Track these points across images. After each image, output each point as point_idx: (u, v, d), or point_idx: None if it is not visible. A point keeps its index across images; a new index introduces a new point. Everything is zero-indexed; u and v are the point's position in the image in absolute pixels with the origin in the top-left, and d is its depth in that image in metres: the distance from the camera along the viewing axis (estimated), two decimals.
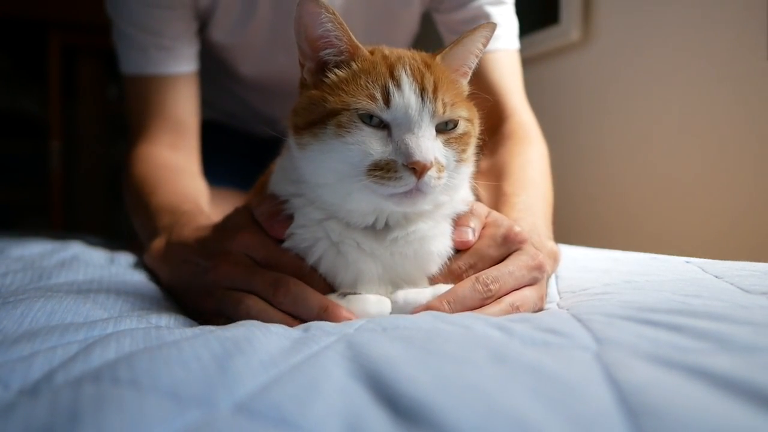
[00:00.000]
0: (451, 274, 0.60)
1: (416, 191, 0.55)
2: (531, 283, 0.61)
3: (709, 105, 1.30)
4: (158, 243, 0.77)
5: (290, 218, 0.61)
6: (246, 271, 0.59)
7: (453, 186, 0.59)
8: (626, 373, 0.34)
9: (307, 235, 0.60)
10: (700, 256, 0.80)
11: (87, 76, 2.34)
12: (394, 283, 0.60)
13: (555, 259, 0.74)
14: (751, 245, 1.21)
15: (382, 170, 0.54)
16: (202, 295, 0.62)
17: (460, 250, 0.62)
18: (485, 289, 0.57)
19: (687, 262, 0.74)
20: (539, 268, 0.61)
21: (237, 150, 1.29)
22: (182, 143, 1.00)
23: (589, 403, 0.31)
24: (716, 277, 0.64)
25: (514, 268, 0.59)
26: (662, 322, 0.43)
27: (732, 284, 0.59)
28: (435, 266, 0.60)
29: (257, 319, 0.54)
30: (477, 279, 0.57)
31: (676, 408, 0.30)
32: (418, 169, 0.53)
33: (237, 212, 0.67)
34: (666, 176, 1.41)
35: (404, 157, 0.53)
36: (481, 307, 0.57)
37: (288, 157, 0.63)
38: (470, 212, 0.63)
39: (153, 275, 0.77)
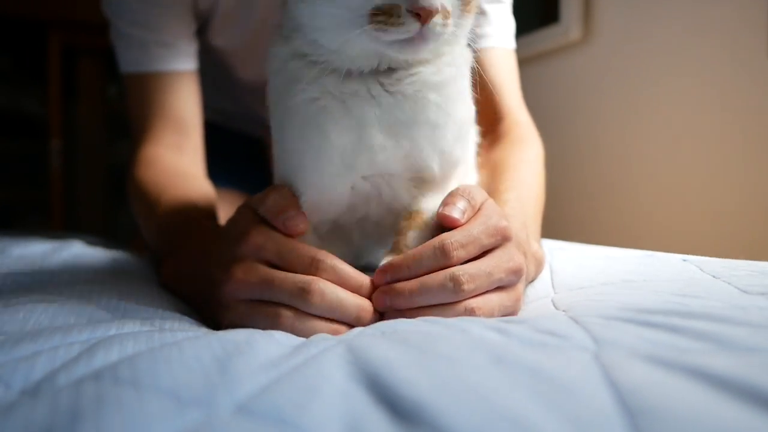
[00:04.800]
0: (442, 249, 0.55)
1: (419, 38, 0.52)
2: (506, 285, 0.58)
3: (709, 103, 1.30)
4: (169, 261, 0.74)
5: (302, 214, 0.58)
6: (265, 281, 0.54)
7: (455, 36, 0.57)
8: (625, 374, 0.34)
9: (308, 92, 0.57)
10: (698, 253, 0.80)
11: (87, 75, 2.34)
12: (392, 129, 0.58)
13: (539, 263, 0.73)
14: (749, 243, 1.21)
15: (384, 15, 0.51)
16: (220, 309, 0.58)
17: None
18: (458, 288, 0.53)
19: (684, 260, 0.74)
20: (516, 271, 0.58)
21: (235, 151, 1.29)
22: (186, 144, 0.99)
23: (588, 403, 0.31)
24: (714, 276, 0.64)
25: (492, 268, 0.56)
26: (660, 324, 0.43)
27: (729, 284, 0.59)
28: (433, 115, 0.58)
29: (298, 332, 0.52)
30: (452, 277, 0.53)
31: (674, 408, 0.30)
32: (423, 15, 0.51)
33: (239, 212, 0.62)
34: (665, 174, 1.41)
35: (409, 2, 0.50)
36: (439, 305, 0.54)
37: (284, 14, 0.61)
38: (460, 193, 0.59)
39: (156, 276, 0.76)
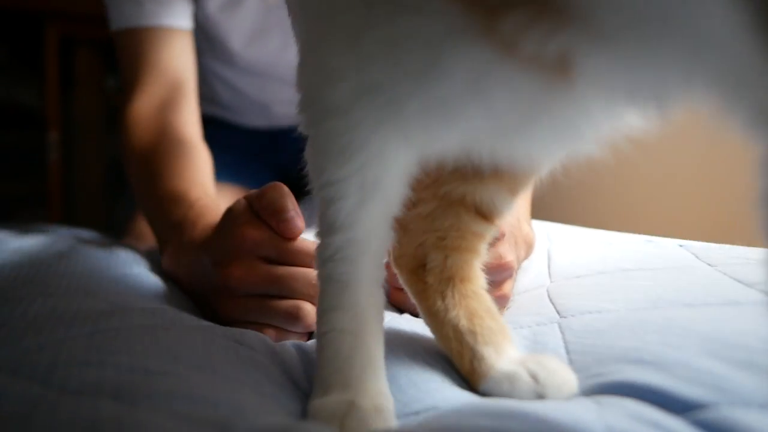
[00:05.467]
0: None
1: None
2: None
3: None
4: (171, 247, 0.72)
5: (299, 216, 0.57)
6: (269, 278, 0.56)
7: None
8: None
9: None
10: (695, 237, 0.79)
11: (85, 67, 2.33)
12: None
13: (529, 245, 0.72)
14: (747, 228, 1.21)
15: None
16: (219, 302, 0.59)
17: None
18: None
19: (681, 245, 0.75)
20: (501, 269, 0.59)
21: (232, 144, 1.27)
22: (181, 101, 0.94)
23: None
24: (709, 265, 0.64)
25: None
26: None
27: (725, 274, 0.60)
28: None
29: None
30: None
31: None
32: None
33: (235, 207, 0.61)
34: (665, 158, 1.41)
35: None
36: None
37: None
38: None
39: (153, 266, 0.76)
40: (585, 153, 0.43)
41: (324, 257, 0.43)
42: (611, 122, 0.40)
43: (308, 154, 0.43)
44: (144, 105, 0.92)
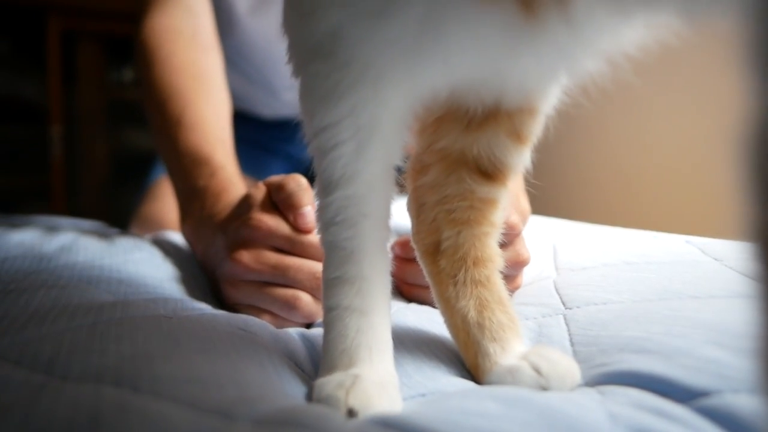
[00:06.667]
0: None
1: None
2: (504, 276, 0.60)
3: (714, 80, 1.30)
4: (192, 218, 0.72)
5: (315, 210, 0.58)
6: (278, 268, 0.56)
7: None
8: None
9: None
10: (702, 233, 0.79)
11: (87, 60, 2.33)
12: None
13: (525, 217, 0.72)
14: None
15: None
16: (225, 285, 0.60)
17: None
18: None
19: (687, 241, 0.74)
20: (517, 265, 0.61)
21: (243, 136, 1.25)
22: (199, 29, 0.90)
23: None
24: (715, 259, 0.64)
25: None
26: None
27: (731, 268, 0.60)
28: None
29: (316, 315, 0.57)
30: None
31: None
32: None
33: (255, 190, 0.62)
34: (671, 153, 1.41)
35: None
36: None
37: None
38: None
39: (156, 255, 0.75)
40: (587, 71, 0.41)
41: (325, 220, 0.41)
42: (607, 41, 0.39)
43: (300, 100, 0.43)
44: (161, 25, 0.89)
